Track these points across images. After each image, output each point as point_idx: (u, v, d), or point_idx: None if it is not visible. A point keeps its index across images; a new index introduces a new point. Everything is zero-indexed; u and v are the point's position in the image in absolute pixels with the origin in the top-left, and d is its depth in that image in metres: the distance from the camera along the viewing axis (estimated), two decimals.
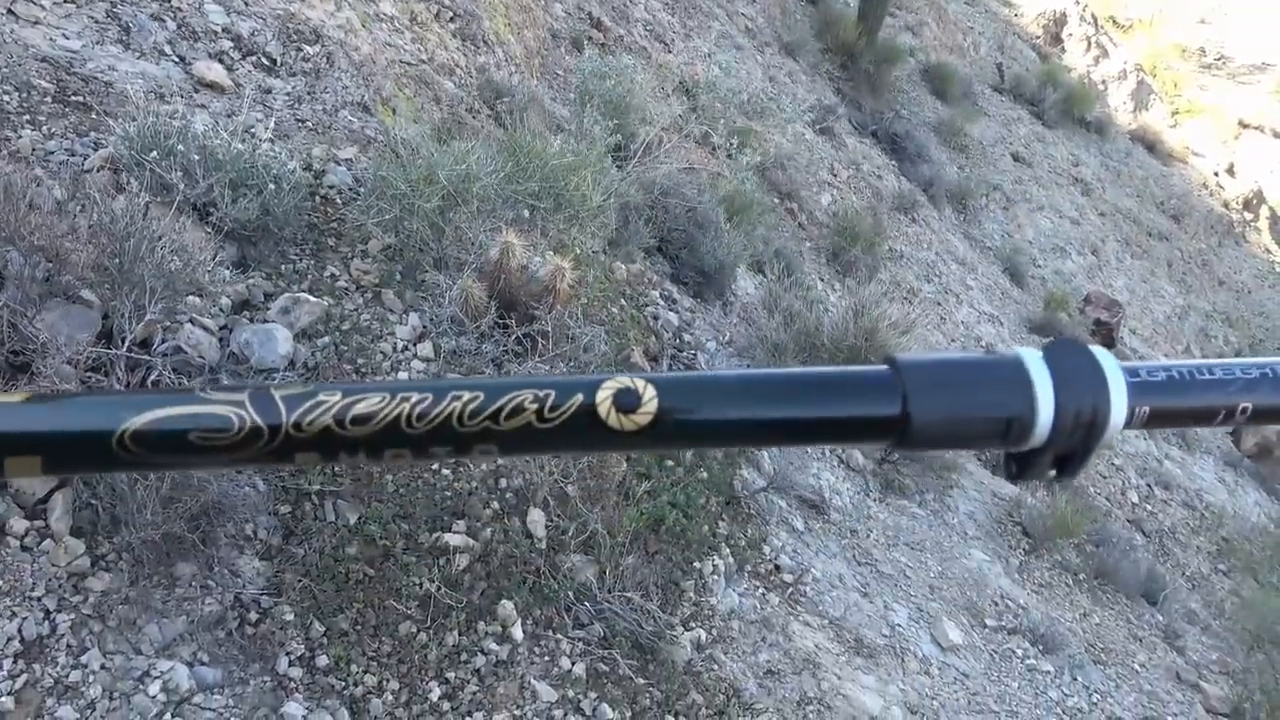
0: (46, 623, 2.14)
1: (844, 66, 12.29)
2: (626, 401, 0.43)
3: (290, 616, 2.46)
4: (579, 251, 4.62)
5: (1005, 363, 0.47)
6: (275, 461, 0.42)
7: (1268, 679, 5.34)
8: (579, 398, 0.43)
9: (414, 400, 0.42)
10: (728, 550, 3.66)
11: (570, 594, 2.91)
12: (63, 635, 2.13)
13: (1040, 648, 4.40)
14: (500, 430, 0.42)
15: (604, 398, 0.43)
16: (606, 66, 5.71)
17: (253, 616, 2.43)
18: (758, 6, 12.05)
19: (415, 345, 3.36)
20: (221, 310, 3.06)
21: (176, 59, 4.19)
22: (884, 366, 0.47)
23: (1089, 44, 17.46)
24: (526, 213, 4.11)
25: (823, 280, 8.08)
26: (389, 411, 0.42)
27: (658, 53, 9.27)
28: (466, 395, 0.43)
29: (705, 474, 3.86)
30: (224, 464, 0.42)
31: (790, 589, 3.72)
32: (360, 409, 0.41)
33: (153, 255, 2.62)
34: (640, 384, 0.44)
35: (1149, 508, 9.04)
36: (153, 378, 2.55)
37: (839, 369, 0.48)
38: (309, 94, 4.54)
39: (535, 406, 0.43)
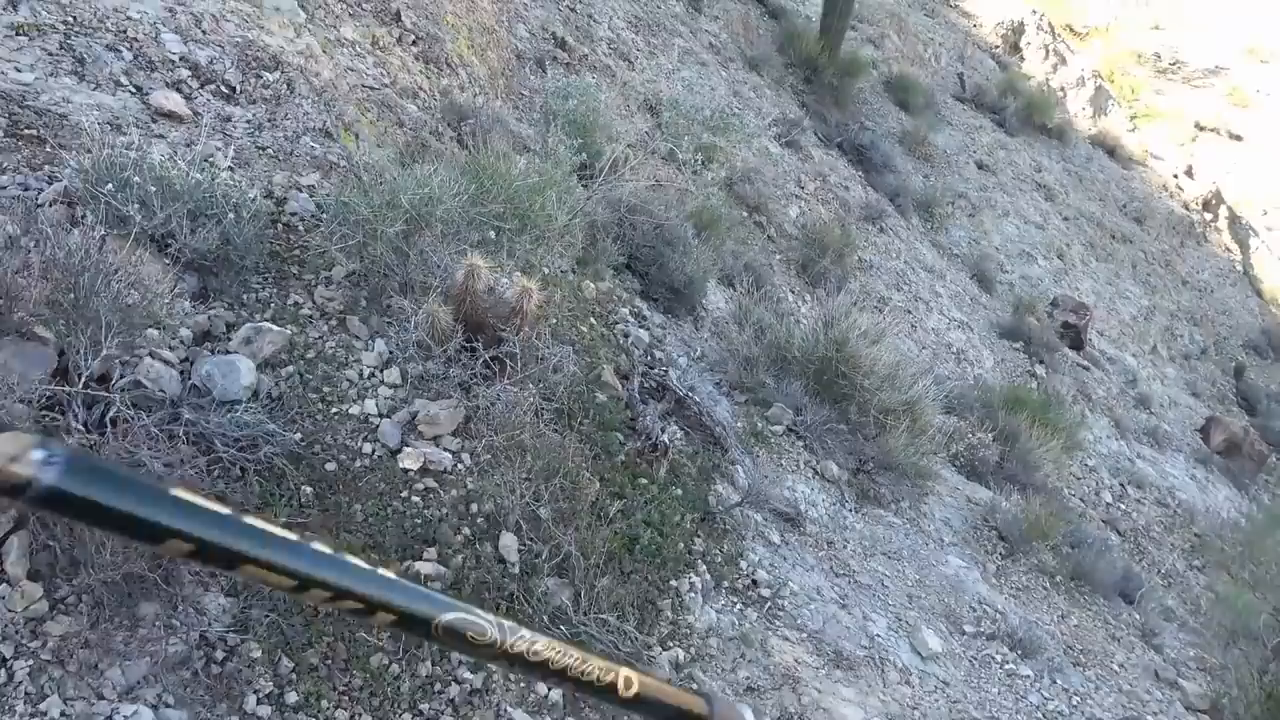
0: (3, 670, 2.08)
1: (808, 80, 12.41)
2: None
3: (258, 653, 2.41)
4: (547, 271, 4.61)
5: None
6: (501, 661, 0.56)
7: (1244, 674, 5.38)
8: None
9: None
10: (704, 567, 3.65)
11: (545, 618, 2.88)
12: (20, 682, 2.08)
13: (1019, 652, 4.41)
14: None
15: None
16: (569, 87, 5.72)
17: (219, 655, 2.38)
18: (720, 23, 12.15)
19: (381, 371, 3.33)
20: (182, 342, 3.01)
21: (133, 89, 4.14)
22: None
23: (1047, 52, 17.75)
24: (492, 234, 4.10)
25: (793, 292, 8.12)
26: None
27: (622, 71, 9.31)
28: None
29: (679, 491, 3.84)
30: (473, 654, 0.56)
31: (768, 603, 3.70)
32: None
33: (108, 289, 2.57)
34: None
35: (1123, 507, 9.14)
36: (111, 414, 2.51)
37: None
38: (269, 121, 4.50)
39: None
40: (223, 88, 4.50)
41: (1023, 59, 17.62)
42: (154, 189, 3.14)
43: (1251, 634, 5.51)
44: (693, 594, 3.43)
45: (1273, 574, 5.41)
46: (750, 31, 12.58)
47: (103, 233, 2.86)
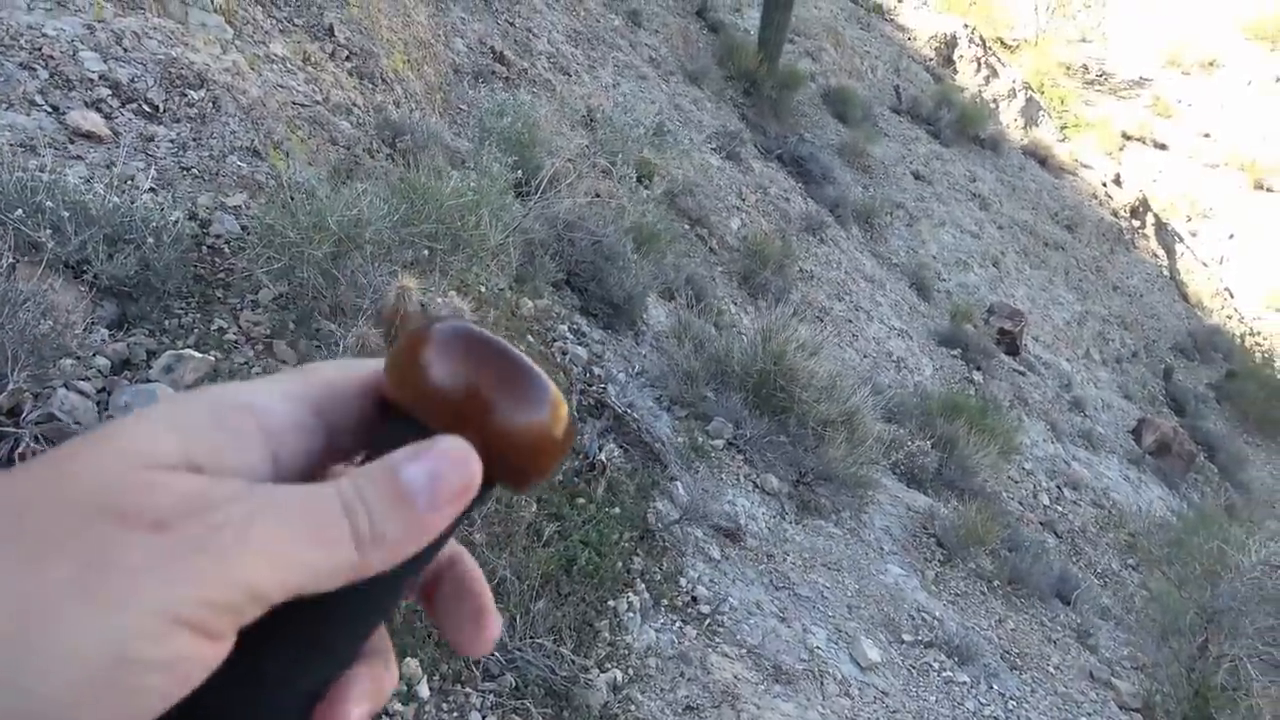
0: None
1: (747, 92, 12.55)
2: None
3: None
4: (483, 290, 4.58)
5: None
6: None
7: (1174, 670, 5.54)
8: None
9: None
10: (643, 585, 3.64)
11: None
12: None
13: (957, 659, 4.47)
14: None
15: None
16: (504, 105, 5.70)
17: None
18: (660, 36, 12.23)
19: None
20: (99, 372, 2.92)
21: (49, 109, 4.02)
22: None
23: (979, 64, 18.19)
24: (425, 253, 4.06)
25: (735, 304, 8.18)
26: None
27: (562, 85, 9.31)
28: None
29: (618, 509, 3.83)
30: None
31: (708, 620, 3.71)
32: None
33: (16, 319, 2.48)
34: None
35: (1060, 509, 9.35)
36: (20, 449, 2.42)
37: None
38: (194, 140, 4.41)
39: None
40: (145, 106, 4.39)
41: (956, 71, 18.04)
42: (68, 214, 3.04)
43: (1181, 630, 5.67)
44: (631, 614, 3.42)
45: (1198, 573, 5.58)
46: (690, 45, 12.68)
47: (11, 260, 2.76)
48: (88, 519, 0.29)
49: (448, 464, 0.34)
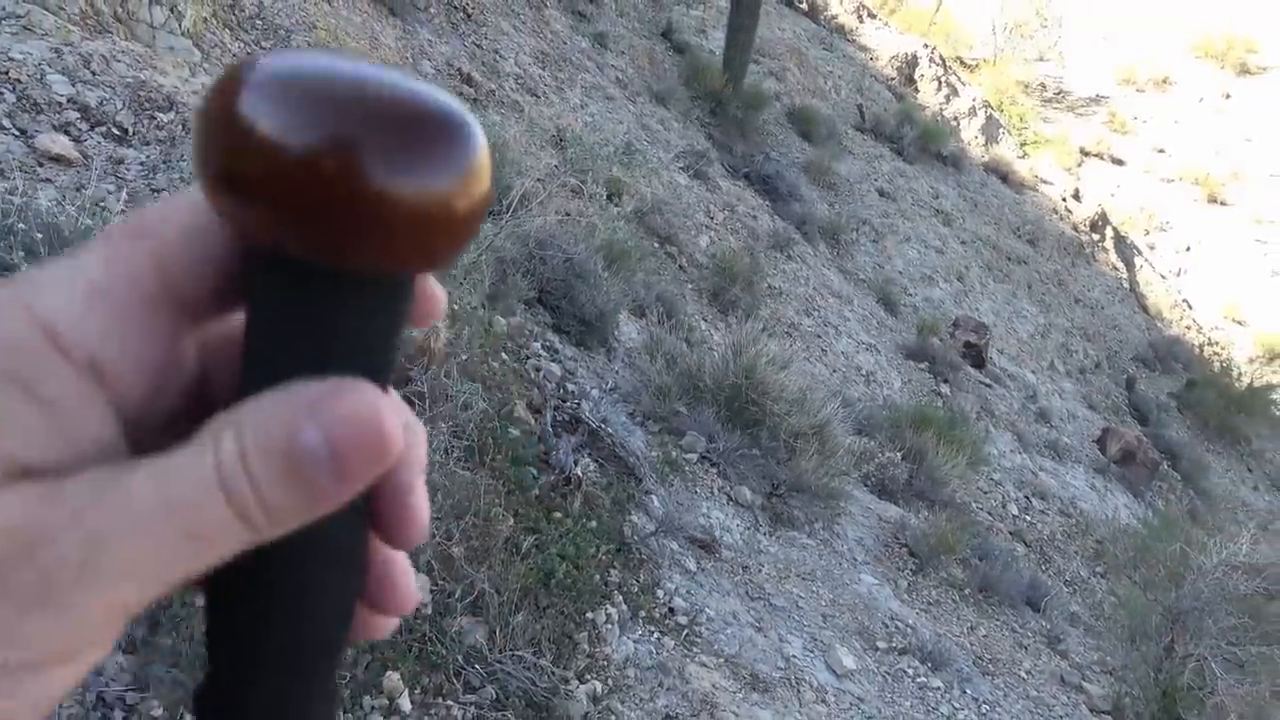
0: None
1: (713, 112, 12.71)
2: None
3: (159, 712, 2.33)
4: (455, 308, 4.61)
5: None
6: None
7: (1143, 673, 5.65)
8: None
9: None
10: (621, 598, 3.67)
11: (459, 658, 2.85)
12: None
13: (930, 665, 4.54)
14: None
15: None
16: None
17: (118, 715, 2.30)
18: (627, 58, 12.36)
19: None
20: None
21: (17, 132, 4.02)
22: None
23: (939, 83, 18.56)
24: None
25: (706, 321, 8.26)
26: None
27: (530, 106, 9.39)
28: None
29: (594, 523, 3.87)
30: None
31: (685, 631, 3.74)
32: None
33: None
34: None
35: (1028, 518, 9.49)
36: None
37: None
38: (165, 162, 4.41)
39: None
40: (114, 129, 4.39)
41: (917, 90, 18.39)
42: (40, 236, 3.04)
43: (1148, 634, 5.79)
44: (609, 625, 3.45)
45: (1162, 576, 5.70)
46: (656, 66, 12.83)
47: None
48: None
49: (356, 429, 0.27)
